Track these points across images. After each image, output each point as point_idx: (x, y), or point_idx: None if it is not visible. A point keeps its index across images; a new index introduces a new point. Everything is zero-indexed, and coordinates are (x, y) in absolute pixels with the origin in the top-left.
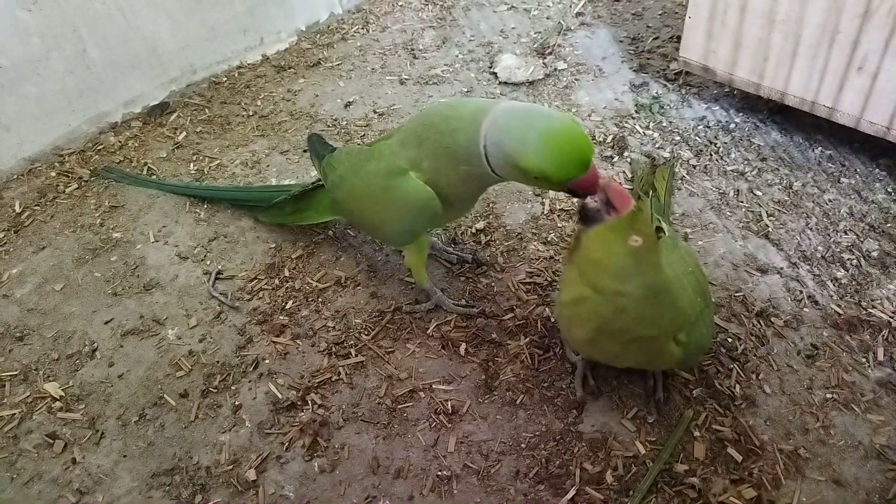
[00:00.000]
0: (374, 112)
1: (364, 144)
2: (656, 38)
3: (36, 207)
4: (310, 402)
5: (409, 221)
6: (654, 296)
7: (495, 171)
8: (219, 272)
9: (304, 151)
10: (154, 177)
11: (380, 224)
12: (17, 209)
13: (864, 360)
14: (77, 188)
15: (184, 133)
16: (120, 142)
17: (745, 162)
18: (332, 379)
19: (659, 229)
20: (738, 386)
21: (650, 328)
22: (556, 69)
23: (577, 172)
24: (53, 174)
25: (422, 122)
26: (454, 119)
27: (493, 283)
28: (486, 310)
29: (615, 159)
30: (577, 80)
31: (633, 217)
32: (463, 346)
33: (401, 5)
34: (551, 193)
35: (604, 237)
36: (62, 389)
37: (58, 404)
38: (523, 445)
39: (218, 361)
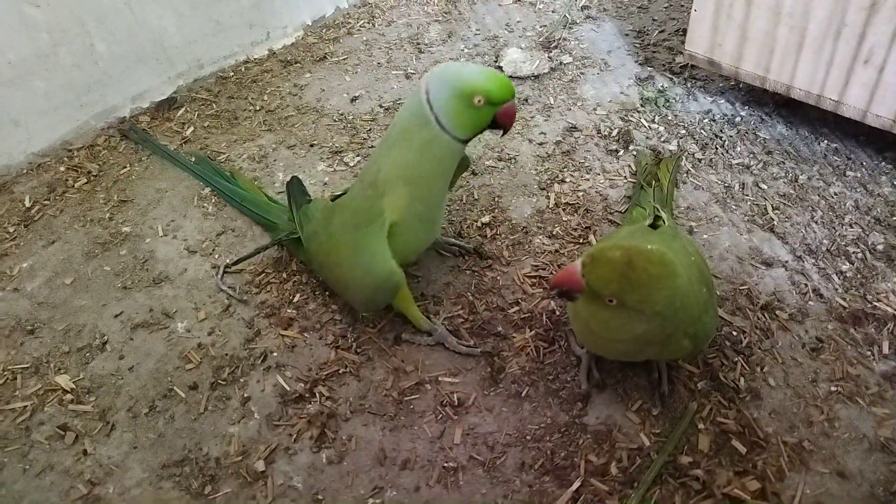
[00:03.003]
0: (381, 106)
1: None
2: (662, 32)
3: (45, 202)
4: (317, 395)
5: (370, 293)
6: (674, 313)
7: (441, 122)
8: (227, 266)
9: (311, 146)
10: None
11: (349, 287)
12: (27, 204)
13: (868, 353)
14: (86, 182)
15: (191, 128)
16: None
17: (751, 155)
18: (340, 371)
19: (658, 218)
20: (742, 379)
21: (668, 333)
22: (561, 63)
23: (508, 96)
24: (62, 169)
25: (377, 153)
26: (396, 118)
27: (498, 277)
28: (491, 350)
29: (620, 153)
30: (582, 73)
31: (591, 276)
32: (469, 339)
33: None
34: (556, 187)
35: (588, 309)
36: (73, 382)
37: (69, 396)
38: (528, 437)
39: (227, 354)
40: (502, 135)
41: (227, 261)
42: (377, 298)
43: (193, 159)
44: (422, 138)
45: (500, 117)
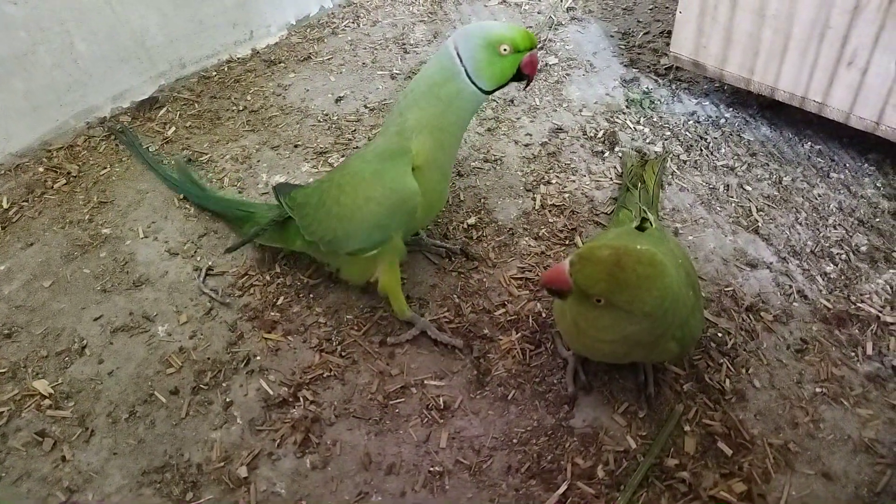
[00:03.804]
0: (365, 107)
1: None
2: (647, 34)
3: (24, 203)
4: (301, 399)
5: (386, 213)
6: (663, 314)
7: (469, 73)
8: (209, 268)
9: (296, 147)
10: (159, 160)
11: (353, 219)
12: (5, 205)
13: (853, 354)
14: (65, 184)
15: (173, 128)
16: (108, 137)
17: (735, 157)
18: (324, 375)
19: (644, 220)
20: (728, 380)
21: (657, 334)
22: (547, 64)
23: (531, 44)
24: (41, 169)
25: (399, 107)
26: (422, 73)
27: (484, 279)
28: (471, 345)
29: (606, 154)
30: (568, 75)
31: (578, 275)
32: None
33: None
34: (542, 188)
35: (576, 309)
36: (51, 387)
37: (47, 402)
38: (515, 441)
39: (209, 358)
40: (525, 86)
41: (210, 263)
42: (392, 220)
43: (173, 162)
44: (449, 90)
45: (524, 66)
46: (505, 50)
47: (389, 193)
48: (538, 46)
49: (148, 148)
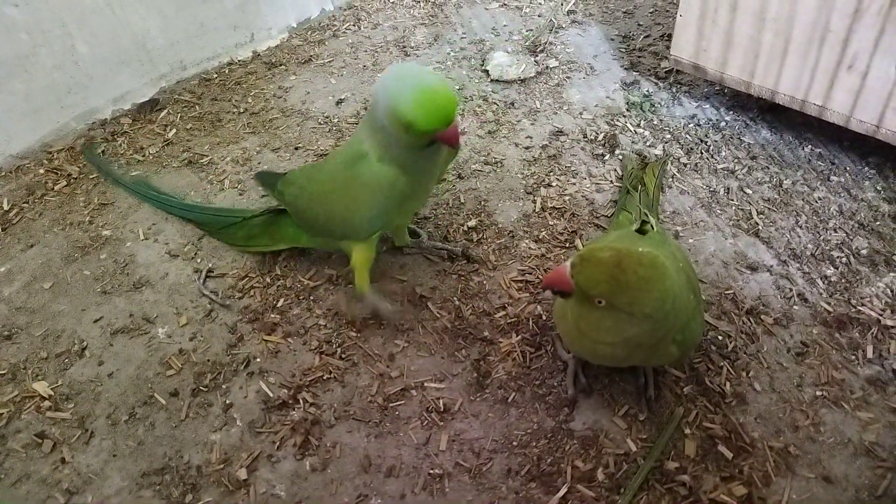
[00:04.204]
0: (366, 109)
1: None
2: (647, 37)
3: (24, 205)
4: (301, 401)
5: (380, 203)
6: (664, 316)
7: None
8: (209, 270)
9: (296, 149)
10: (131, 175)
11: (349, 215)
12: (6, 207)
13: (853, 357)
14: (66, 185)
15: (174, 130)
16: (109, 139)
17: (736, 160)
18: (324, 377)
19: (645, 223)
20: (728, 383)
21: (657, 337)
22: (547, 67)
23: (440, 126)
24: (42, 171)
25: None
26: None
27: (484, 281)
28: (420, 318)
29: (606, 157)
30: (568, 77)
31: (580, 276)
32: (455, 342)
33: (392, 2)
34: (543, 191)
35: (577, 311)
36: (51, 388)
37: (46, 403)
38: (515, 443)
39: (209, 360)
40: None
41: (210, 265)
42: (388, 206)
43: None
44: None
45: (438, 139)
46: (408, 128)
47: (374, 190)
48: (459, 116)
49: (118, 166)
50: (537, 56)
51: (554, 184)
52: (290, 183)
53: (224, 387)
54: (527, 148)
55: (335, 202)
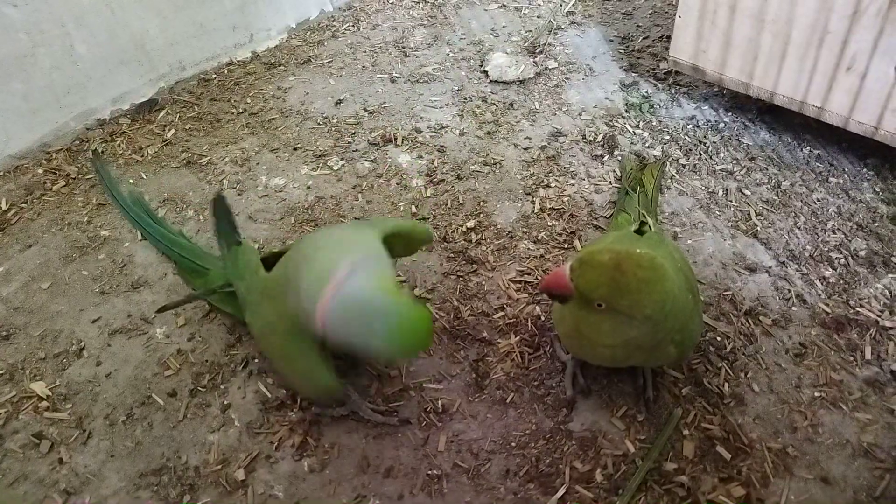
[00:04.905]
0: (365, 110)
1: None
2: (646, 38)
3: (23, 205)
4: (299, 401)
5: (311, 393)
6: (664, 318)
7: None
8: (158, 310)
9: (295, 149)
10: (128, 190)
11: (299, 383)
12: (4, 207)
13: (851, 358)
14: (64, 185)
15: (172, 130)
16: (108, 139)
17: (734, 161)
18: None
19: (643, 224)
20: (726, 384)
21: (657, 338)
22: (546, 68)
23: (418, 353)
24: (40, 171)
25: (292, 260)
26: (304, 277)
27: (483, 282)
28: (409, 419)
29: (605, 158)
30: (567, 78)
31: (580, 280)
32: (454, 343)
33: (391, 3)
34: (541, 192)
35: (577, 313)
36: (49, 389)
37: (44, 404)
38: (513, 444)
39: (206, 360)
40: None
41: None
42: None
43: (127, 191)
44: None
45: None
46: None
47: (311, 388)
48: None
49: (117, 177)
50: (536, 57)
51: (553, 185)
52: (240, 275)
53: (222, 387)
54: (526, 149)
55: (280, 365)
